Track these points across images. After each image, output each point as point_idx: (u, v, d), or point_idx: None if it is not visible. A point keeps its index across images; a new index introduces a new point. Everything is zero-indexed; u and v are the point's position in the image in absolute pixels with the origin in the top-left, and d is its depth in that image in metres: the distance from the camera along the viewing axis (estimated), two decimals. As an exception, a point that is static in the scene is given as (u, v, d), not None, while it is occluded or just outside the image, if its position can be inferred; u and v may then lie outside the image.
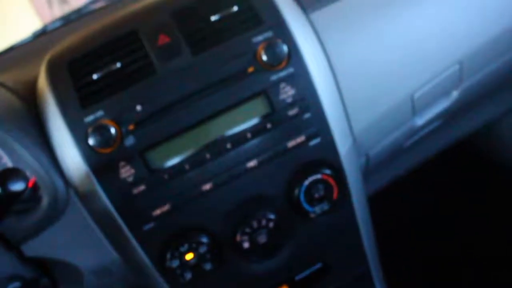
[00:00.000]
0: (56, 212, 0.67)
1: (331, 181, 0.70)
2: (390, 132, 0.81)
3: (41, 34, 1.04)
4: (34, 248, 0.68)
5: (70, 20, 1.06)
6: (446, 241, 1.26)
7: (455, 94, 0.85)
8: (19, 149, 0.64)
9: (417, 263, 1.23)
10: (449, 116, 0.92)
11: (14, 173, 0.53)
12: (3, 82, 0.72)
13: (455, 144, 1.10)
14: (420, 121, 0.84)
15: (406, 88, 0.76)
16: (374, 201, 0.91)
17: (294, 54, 0.66)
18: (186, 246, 0.67)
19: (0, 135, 0.64)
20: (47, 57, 0.69)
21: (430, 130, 0.92)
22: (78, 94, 0.64)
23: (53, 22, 1.09)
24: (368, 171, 0.84)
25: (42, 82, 0.67)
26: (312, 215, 0.71)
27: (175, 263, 0.67)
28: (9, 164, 0.69)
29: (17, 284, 0.65)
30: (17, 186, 0.53)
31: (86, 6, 1.11)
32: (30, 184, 0.67)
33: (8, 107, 0.67)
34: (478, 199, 1.30)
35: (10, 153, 0.68)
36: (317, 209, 0.70)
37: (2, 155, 0.69)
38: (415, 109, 0.80)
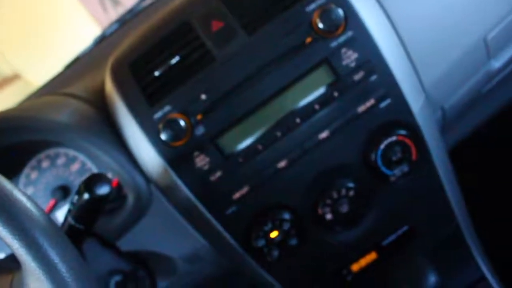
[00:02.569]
0: (141, 207, 0.70)
1: (408, 141, 0.67)
2: (464, 81, 0.76)
3: (101, 39, 1.08)
4: (128, 243, 0.72)
5: (125, 21, 1.08)
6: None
7: None
8: (99, 153, 0.68)
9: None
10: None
11: (98, 178, 0.56)
12: (74, 92, 0.76)
13: None
14: (497, 63, 0.78)
15: (477, 31, 0.71)
16: (457, 153, 0.86)
17: (351, 16, 0.64)
18: (269, 224, 0.67)
19: (80, 142, 0.68)
20: (109, 62, 0.71)
21: (509, 72, 0.86)
22: (144, 93, 0.66)
23: (110, 26, 1.12)
24: (446, 124, 0.80)
25: (109, 87, 0.70)
26: (392, 179, 0.69)
27: (261, 242, 0.68)
28: (93, 168, 0.74)
29: (118, 277, 0.70)
30: (103, 190, 0.56)
31: (138, 4, 1.14)
32: (114, 184, 0.71)
33: (83, 116, 0.70)
34: None
35: (92, 157, 0.72)
36: (397, 171, 0.69)
37: (86, 160, 0.74)
38: (490, 51, 0.74)
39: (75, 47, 1.13)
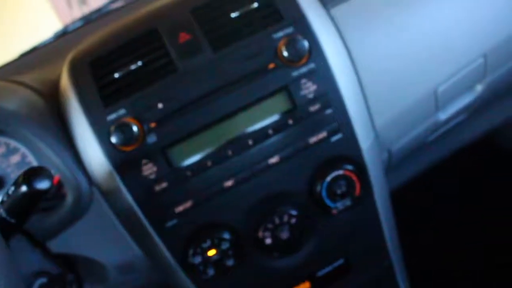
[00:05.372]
0: (80, 209, 0.68)
1: (353, 177, 0.69)
2: (413, 127, 0.80)
3: (63, 35, 1.06)
4: (59, 244, 0.70)
5: (90, 20, 1.07)
6: (471, 235, 1.24)
7: (479, 88, 0.83)
8: (43, 147, 0.65)
9: (441, 259, 1.22)
10: (473, 110, 0.91)
11: (39, 172, 0.54)
12: (26, 82, 0.73)
13: (479, 138, 1.08)
14: (443, 115, 0.83)
15: (429, 82, 0.75)
16: (397, 195, 0.89)
17: (315, 49, 0.66)
18: (208, 242, 0.67)
19: (25, 133, 0.65)
20: (69, 56, 0.70)
21: (454, 125, 0.91)
22: (100, 93, 0.65)
23: (74, 22, 1.10)
24: (390, 166, 0.83)
25: (65, 82, 0.68)
26: (334, 211, 0.70)
27: (198, 260, 0.67)
28: (34, 162, 0.71)
29: (43, 279, 0.66)
30: (43, 185, 0.54)
31: (105, 6, 1.12)
32: (55, 182, 0.68)
33: (32, 106, 0.68)
34: (503, 193, 1.28)
35: (35, 151, 0.69)
36: (339, 205, 0.70)
37: (27, 153, 0.71)
38: (438, 103, 0.79)
39: (34, 40, 1.10)
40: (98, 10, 1.12)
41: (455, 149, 1.07)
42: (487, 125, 1.08)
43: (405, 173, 1.00)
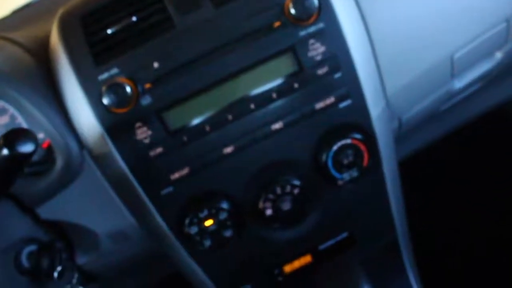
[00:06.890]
0: (70, 174, 0.66)
1: (362, 146, 0.66)
2: (426, 95, 0.77)
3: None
4: (49, 211, 0.68)
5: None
6: (483, 208, 1.22)
7: (498, 55, 0.80)
8: (31, 109, 0.63)
9: (449, 233, 1.21)
10: (489, 80, 0.87)
11: (22, 134, 0.51)
12: (14, 38, 0.70)
13: (492, 109, 1.05)
14: (459, 84, 0.79)
15: (446, 48, 0.72)
16: (405, 166, 0.87)
17: (325, 8, 0.62)
18: (205, 212, 0.65)
19: (11, 93, 0.63)
20: (59, 12, 0.67)
21: (468, 94, 0.88)
22: (92, 50, 0.63)
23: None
24: (399, 136, 0.81)
25: (54, 39, 0.65)
26: (340, 182, 0.68)
27: (194, 230, 0.66)
28: (24, 124, 0.69)
29: (33, 246, 0.66)
30: (26, 148, 0.50)
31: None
32: (45, 146, 0.66)
33: (20, 64, 0.65)
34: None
35: (24, 113, 0.67)
36: (346, 176, 0.68)
37: (16, 115, 0.68)
38: (454, 71, 0.75)
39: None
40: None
41: (468, 119, 1.05)
42: (502, 95, 1.05)
43: (414, 144, 0.98)
